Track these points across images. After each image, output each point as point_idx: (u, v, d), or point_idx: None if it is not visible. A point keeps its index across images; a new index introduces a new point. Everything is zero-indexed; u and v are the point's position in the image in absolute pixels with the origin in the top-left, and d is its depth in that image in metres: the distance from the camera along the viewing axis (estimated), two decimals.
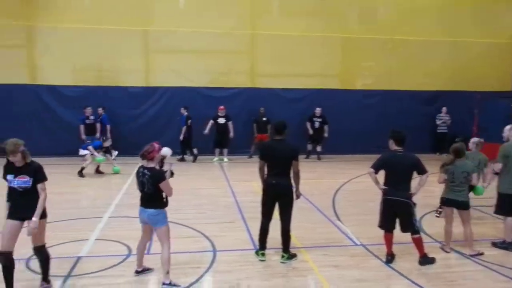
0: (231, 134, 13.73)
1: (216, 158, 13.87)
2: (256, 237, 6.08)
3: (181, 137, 13.34)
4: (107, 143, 11.87)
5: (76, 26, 13.52)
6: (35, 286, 4.96)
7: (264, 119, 13.96)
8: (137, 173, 4.96)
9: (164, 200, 4.99)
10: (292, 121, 14.52)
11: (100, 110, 13.43)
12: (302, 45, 14.52)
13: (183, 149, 13.59)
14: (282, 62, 14.57)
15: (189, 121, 13.47)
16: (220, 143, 13.81)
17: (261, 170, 5.83)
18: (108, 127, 13.39)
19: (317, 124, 14.33)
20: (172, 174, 5.17)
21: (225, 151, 13.91)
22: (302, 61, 14.62)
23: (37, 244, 4.79)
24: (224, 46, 14.37)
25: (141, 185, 4.90)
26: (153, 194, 4.87)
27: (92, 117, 13.23)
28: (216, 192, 9.80)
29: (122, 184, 10.11)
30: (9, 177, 4.58)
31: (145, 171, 4.85)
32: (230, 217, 7.75)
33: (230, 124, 13.69)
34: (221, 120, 13.63)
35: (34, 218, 4.55)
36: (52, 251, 5.87)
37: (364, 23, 15.22)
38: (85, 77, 14.04)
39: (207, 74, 14.53)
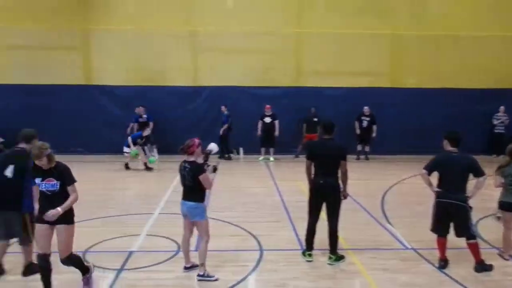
0: (276, 133, 13.73)
1: (262, 157, 13.92)
2: (302, 237, 6.04)
3: (221, 133, 13.50)
4: (147, 132, 12.23)
5: (128, 28, 14.07)
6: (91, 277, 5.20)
7: (315, 119, 13.76)
8: (179, 167, 5.12)
9: (205, 194, 5.11)
10: (339, 120, 14.23)
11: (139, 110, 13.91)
12: (350, 43, 14.27)
13: (227, 147, 13.78)
14: (329, 60, 14.40)
15: (229, 119, 13.67)
16: (266, 142, 13.84)
17: (308, 169, 5.79)
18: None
19: (365, 123, 14.02)
20: (215, 169, 5.23)
21: (272, 150, 13.93)
22: (350, 59, 14.38)
23: (64, 256, 4.60)
24: (270, 45, 14.38)
25: (182, 178, 5.08)
26: (192, 187, 5.01)
27: (144, 116, 13.70)
28: (263, 191, 9.84)
29: (171, 181, 10.32)
30: (37, 180, 4.45)
31: (186, 164, 5.03)
32: (276, 217, 7.76)
33: (276, 123, 13.69)
34: (267, 119, 13.68)
35: (58, 208, 4.35)
36: (107, 245, 6.20)
37: (415, 19, 14.69)
38: (136, 77, 14.54)
39: (253, 73, 14.62)
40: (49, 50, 14.23)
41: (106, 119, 14.41)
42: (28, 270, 5.23)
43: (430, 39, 14.43)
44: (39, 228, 4.49)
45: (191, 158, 5.03)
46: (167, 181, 10.45)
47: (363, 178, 11.14)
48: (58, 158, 4.62)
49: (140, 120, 13.71)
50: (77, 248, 5.92)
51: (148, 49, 14.23)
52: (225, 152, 13.74)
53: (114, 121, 14.36)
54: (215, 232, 6.58)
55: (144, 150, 12.26)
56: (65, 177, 4.49)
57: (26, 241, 5.19)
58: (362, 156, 14.20)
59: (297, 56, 14.82)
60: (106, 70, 14.49)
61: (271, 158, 13.86)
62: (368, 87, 14.59)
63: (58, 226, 4.47)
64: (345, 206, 5.97)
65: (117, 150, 13.76)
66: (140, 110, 13.68)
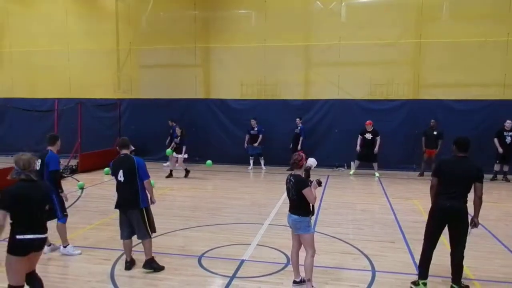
0: (376, 149, 13.07)
1: (352, 171, 13.59)
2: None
3: (300, 147, 13.30)
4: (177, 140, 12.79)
5: (245, 45, 14.81)
6: (205, 282, 5.48)
7: (435, 132, 12.84)
8: (286, 180, 5.18)
9: (310, 208, 5.04)
10: (470, 135, 13.14)
11: (171, 123, 14.53)
12: (479, 52, 13.02)
13: None
14: (453, 71, 13.32)
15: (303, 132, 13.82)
16: (365, 157, 13.31)
17: (433, 188, 5.22)
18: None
19: (509, 139, 12.46)
20: (320, 183, 5.15)
21: (376, 165, 13.35)
22: (478, 69, 13.14)
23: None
24: (386, 57, 13.86)
25: (288, 192, 5.13)
26: (297, 201, 5.00)
27: (256, 128, 14.17)
28: (375, 208, 9.42)
29: (281, 192, 10.46)
30: None
31: (291, 178, 5.07)
32: (390, 236, 7.33)
33: (378, 139, 13.07)
34: (369, 136, 13.17)
35: None
36: (221, 251, 6.50)
37: None
38: (251, 91, 15.17)
39: (367, 86, 14.18)
40: (176, 68, 15.69)
41: (221, 130, 15.26)
42: (148, 264, 5.73)
43: None
44: None
45: (297, 172, 5.08)
46: (277, 192, 10.63)
47: (495, 201, 10.02)
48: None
49: (252, 132, 14.22)
50: (194, 252, 6.38)
51: (262, 64, 14.76)
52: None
53: (229, 132, 15.14)
54: (325, 248, 6.52)
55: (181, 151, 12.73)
56: None
57: (146, 236, 5.71)
58: (499, 176, 12.73)
59: (416, 67, 13.98)
60: (224, 84, 15.40)
61: (377, 174, 13.26)
62: (502, 100, 13.12)
63: None
64: (472, 231, 5.38)
65: (232, 160, 14.52)
66: (252, 122, 14.21)
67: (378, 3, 14.25)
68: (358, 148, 13.23)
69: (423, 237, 5.39)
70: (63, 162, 11.44)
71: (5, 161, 12.59)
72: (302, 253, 5.17)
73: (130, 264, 5.82)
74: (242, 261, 6.10)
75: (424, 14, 13.61)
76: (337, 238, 7.16)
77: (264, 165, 14.39)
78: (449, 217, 5.05)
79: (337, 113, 14.28)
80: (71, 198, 9.98)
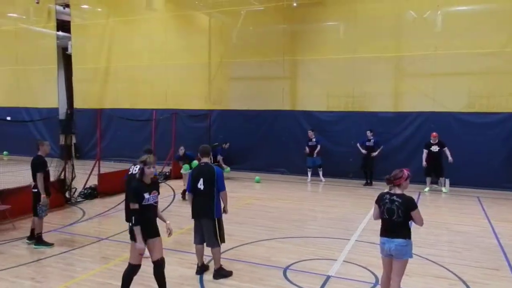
0: (450, 159, 12.11)
1: (427, 188, 12.58)
2: None
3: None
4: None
5: (333, 56, 14.65)
6: None
7: None
8: (382, 199, 4.78)
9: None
10: None
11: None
12: None
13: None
14: None
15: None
16: (432, 171, 12.49)
17: None
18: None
19: None
20: None
21: (446, 180, 12.52)
22: None
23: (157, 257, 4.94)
24: (488, 67, 12.74)
25: (388, 213, 4.68)
26: (402, 223, 4.65)
27: (314, 139, 14.05)
28: (473, 230, 8.65)
29: (368, 208, 10.10)
30: (145, 195, 4.77)
31: (394, 197, 4.68)
32: (493, 263, 6.67)
33: (446, 150, 12.20)
34: (435, 148, 12.31)
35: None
36: (306, 265, 6.43)
37: None
38: (338, 103, 14.93)
39: (465, 97, 13.20)
40: (264, 80, 16.04)
41: (306, 142, 15.17)
42: (217, 273, 5.86)
43: None
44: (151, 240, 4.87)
45: (398, 191, 4.72)
46: (363, 207, 10.29)
47: None
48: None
49: (310, 144, 14.09)
50: (278, 264, 6.39)
51: (351, 75, 14.40)
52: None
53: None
54: (417, 270, 6.16)
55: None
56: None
57: (215, 245, 5.83)
58: None
59: None
60: (310, 96, 15.35)
61: (444, 189, 12.41)
62: None
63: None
64: None
65: (315, 173, 14.33)
66: (310, 133, 14.10)
67: (478, 10, 13.24)
68: (424, 163, 12.43)
69: None
70: (158, 168, 12.24)
71: (109, 166, 13.86)
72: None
73: (201, 269, 6.00)
74: (328, 277, 5.98)
75: None
76: (430, 260, 6.70)
77: (323, 176, 14.10)
78: None
79: (431, 127, 13.44)
80: (165, 202, 10.66)
